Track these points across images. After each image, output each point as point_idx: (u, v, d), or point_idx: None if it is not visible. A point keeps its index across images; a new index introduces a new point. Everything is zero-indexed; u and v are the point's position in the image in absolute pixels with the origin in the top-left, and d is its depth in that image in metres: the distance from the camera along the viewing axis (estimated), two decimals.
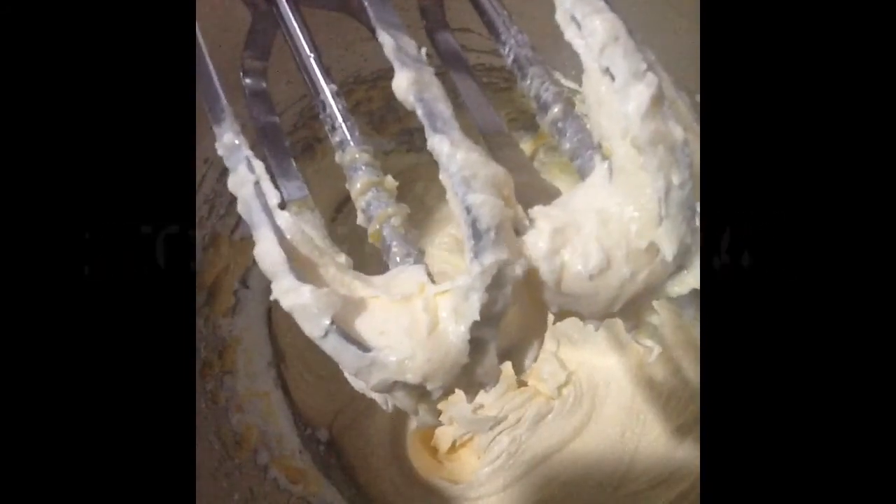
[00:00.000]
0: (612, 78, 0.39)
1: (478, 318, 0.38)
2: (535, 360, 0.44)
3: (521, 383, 0.96)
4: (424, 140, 0.41)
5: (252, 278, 0.96)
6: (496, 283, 0.38)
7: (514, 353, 0.43)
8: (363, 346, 0.40)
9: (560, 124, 0.49)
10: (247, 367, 0.96)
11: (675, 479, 0.89)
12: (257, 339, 0.98)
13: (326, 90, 0.52)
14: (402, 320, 0.40)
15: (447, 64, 0.61)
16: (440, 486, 0.95)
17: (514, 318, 0.41)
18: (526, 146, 0.98)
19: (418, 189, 0.97)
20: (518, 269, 0.39)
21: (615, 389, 0.95)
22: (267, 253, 0.41)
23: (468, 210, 0.39)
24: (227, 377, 0.94)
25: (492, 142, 0.57)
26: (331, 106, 0.52)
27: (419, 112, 0.41)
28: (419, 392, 0.42)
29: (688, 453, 0.89)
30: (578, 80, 0.42)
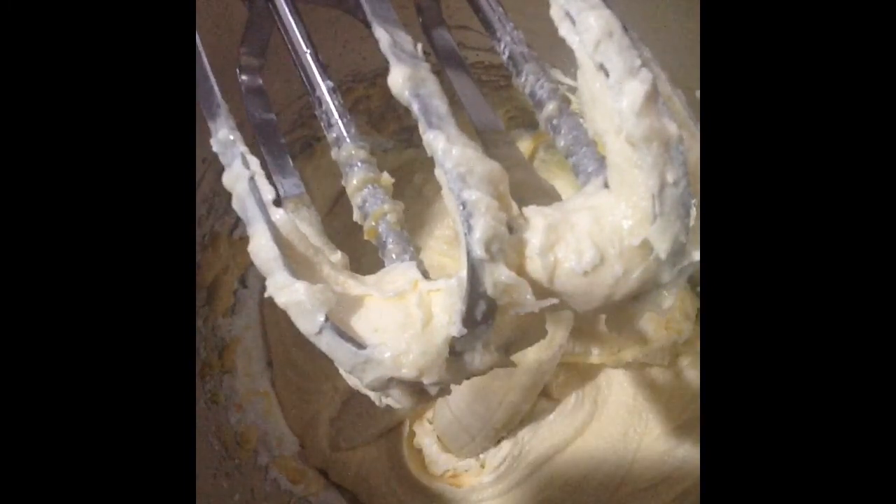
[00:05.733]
0: (607, 74, 0.39)
1: (467, 317, 0.38)
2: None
3: (551, 399, 0.96)
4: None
5: (251, 278, 0.97)
6: (486, 284, 0.38)
7: (513, 348, 0.43)
8: (358, 344, 0.40)
9: (555, 121, 0.48)
10: (246, 367, 0.97)
11: (677, 477, 0.89)
12: (257, 339, 0.98)
13: (323, 86, 0.52)
14: (396, 317, 0.40)
15: (443, 61, 0.61)
16: (441, 489, 0.95)
17: (510, 315, 0.41)
18: (525, 144, 0.98)
19: (417, 181, 0.97)
20: (509, 271, 0.39)
21: (616, 389, 0.95)
22: (261, 249, 0.41)
23: (463, 206, 0.39)
24: (226, 377, 0.95)
25: (488, 139, 0.57)
26: (327, 102, 0.52)
27: (414, 108, 0.41)
28: (415, 389, 0.42)
29: (689, 452, 0.89)
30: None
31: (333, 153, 0.51)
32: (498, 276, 0.38)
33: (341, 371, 0.43)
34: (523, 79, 0.50)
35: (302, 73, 0.54)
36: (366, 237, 0.49)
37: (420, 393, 0.42)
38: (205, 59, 0.47)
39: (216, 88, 0.47)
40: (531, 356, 0.87)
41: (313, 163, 0.94)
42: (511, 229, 0.40)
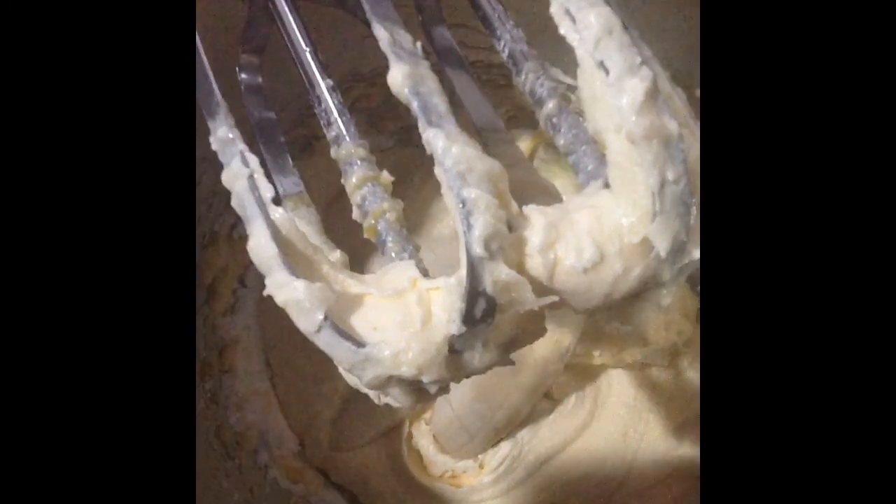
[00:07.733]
0: (607, 72, 0.39)
1: (466, 316, 0.38)
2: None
3: (551, 399, 0.96)
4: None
5: (251, 277, 0.96)
6: (486, 282, 0.38)
7: (513, 346, 0.43)
8: (357, 342, 0.40)
9: (555, 120, 0.48)
10: (246, 367, 0.96)
11: (677, 477, 0.89)
12: (257, 339, 0.98)
13: (322, 85, 0.52)
14: (396, 315, 0.40)
15: (443, 60, 0.61)
16: (441, 489, 0.95)
17: (510, 313, 0.41)
18: (525, 143, 0.98)
19: (416, 180, 0.97)
20: (509, 269, 0.39)
21: (616, 389, 0.95)
22: (260, 247, 0.41)
23: (463, 204, 0.38)
24: (226, 377, 0.94)
25: (488, 138, 0.57)
26: (326, 101, 0.52)
27: (414, 106, 0.41)
28: (415, 387, 0.42)
29: (689, 452, 0.89)
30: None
31: (333, 151, 0.51)
32: (498, 274, 0.38)
33: (341, 370, 0.43)
34: (523, 77, 0.50)
35: (301, 72, 0.54)
36: (365, 235, 0.49)
37: (419, 391, 0.42)
38: (204, 58, 0.47)
39: (215, 87, 0.47)
40: (537, 354, 0.87)
41: (313, 161, 0.94)
42: (511, 227, 0.40)
